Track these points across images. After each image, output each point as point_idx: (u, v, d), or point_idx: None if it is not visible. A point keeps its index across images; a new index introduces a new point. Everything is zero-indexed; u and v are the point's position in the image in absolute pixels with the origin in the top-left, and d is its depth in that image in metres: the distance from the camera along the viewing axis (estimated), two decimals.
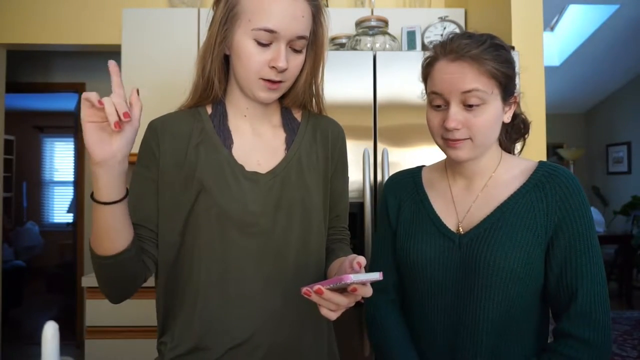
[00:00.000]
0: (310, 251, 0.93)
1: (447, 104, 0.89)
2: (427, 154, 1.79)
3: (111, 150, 0.74)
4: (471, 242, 0.92)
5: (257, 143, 0.94)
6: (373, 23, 2.06)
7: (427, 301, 0.96)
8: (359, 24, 2.09)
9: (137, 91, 0.76)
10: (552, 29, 4.76)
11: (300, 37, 0.87)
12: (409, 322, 1.02)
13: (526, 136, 1.06)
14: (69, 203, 5.71)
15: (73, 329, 3.69)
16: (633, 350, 3.58)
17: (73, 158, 4.46)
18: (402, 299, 1.05)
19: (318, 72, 0.97)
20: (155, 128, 0.92)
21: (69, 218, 5.78)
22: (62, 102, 5.52)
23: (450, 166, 1.01)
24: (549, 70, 4.69)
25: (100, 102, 0.71)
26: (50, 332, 0.59)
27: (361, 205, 1.80)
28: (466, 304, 0.91)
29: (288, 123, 0.98)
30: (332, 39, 2.20)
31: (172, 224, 0.89)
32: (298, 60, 0.89)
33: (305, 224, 0.92)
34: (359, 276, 0.69)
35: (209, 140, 0.91)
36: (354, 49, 2.04)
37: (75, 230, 3.86)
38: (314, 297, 0.72)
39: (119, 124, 0.72)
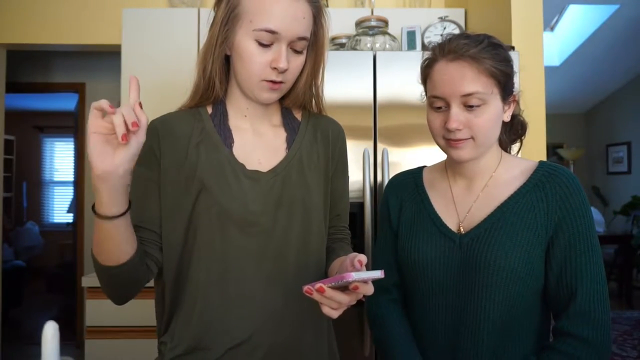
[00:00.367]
0: (311, 250, 0.93)
1: (448, 105, 0.89)
2: (427, 154, 1.79)
3: (113, 163, 0.72)
4: (472, 242, 0.92)
5: (257, 142, 0.94)
6: (373, 23, 2.06)
7: (428, 301, 0.96)
8: (359, 24, 2.09)
9: (140, 104, 0.73)
10: (552, 29, 4.76)
11: (301, 38, 0.87)
12: (411, 321, 1.02)
13: (523, 138, 1.06)
14: (69, 203, 5.71)
15: (73, 329, 3.69)
16: (633, 350, 3.58)
17: (73, 158, 4.46)
18: (404, 298, 1.05)
19: (318, 73, 0.97)
20: (156, 128, 0.92)
21: (69, 218, 5.78)
22: (62, 102, 5.52)
23: (450, 166, 1.01)
24: (549, 70, 4.69)
25: (111, 106, 0.69)
26: (50, 332, 0.59)
27: (361, 205, 1.80)
28: (467, 303, 0.91)
29: (288, 123, 0.99)
30: (332, 39, 2.20)
31: (175, 225, 0.89)
32: (299, 61, 0.89)
33: (305, 223, 0.92)
34: (361, 274, 0.69)
35: (210, 139, 0.91)
36: (354, 49, 2.04)
37: (75, 230, 3.86)
38: (316, 296, 0.72)
39: (126, 137, 0.70)
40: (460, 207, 0.97)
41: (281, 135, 0.97)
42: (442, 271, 0.94)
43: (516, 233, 0.89)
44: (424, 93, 0.97)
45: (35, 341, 3.84)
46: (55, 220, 6.68)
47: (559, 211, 0.88)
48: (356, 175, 1.79)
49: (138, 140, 0.72)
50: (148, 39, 2.30)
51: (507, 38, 1.94)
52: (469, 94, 0.86)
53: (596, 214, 5.23)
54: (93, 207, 0.76)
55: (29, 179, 6.64)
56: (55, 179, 6.76)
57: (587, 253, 0.87)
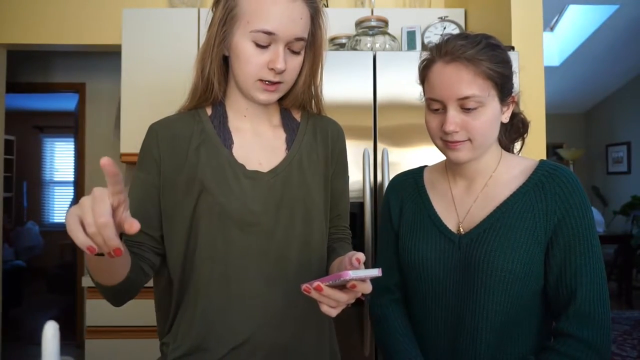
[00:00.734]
0: (312, 250, 0.93)
1: (445, 107, 0.89)
2: (427, 154, 1.79)
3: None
4: (471, 242, 0.92)
5: (257, 143, 0.95)
6: (373, 23, 2.06)
7: (429, 301, 0.96)
8: (359, 24, 2.09)
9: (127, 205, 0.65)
10: (552, 29, 4.76)
11: (299, 39, 0.87)
12: (412, 321, 1.02)
13: (525, 136, 1.05)
14: (69, 203, 5.71)
15: (73, 329, 3.69)
16: (633, 350, 3.58)
17: (73, 158, 4.46)
18: (405, 298, 1.05)
19: (317, 74, 0.97)
20: (156, 132, 0.92)
21: None
22: (62, 102, 5.52)
23: (450, 167, 1.01)
24: (549, 70, 4.69)
25: (90, 249, 0.61)
26: (51, 332, 0.59)
27: (361, 205, 1.80)
28: (467, 304, 0.91)
29: (288, 123, 0.99)
30: (332, 39, 2.20)
31: (177, 226, 0.89)
32: (296, 61, 0.89)
33: (306, 223, 0.92)
34: (358, 272, 0.69)
35: (210, 141, 0.91)
36: (354, 49, 2.04)
37: None
38: (314, 294, 0.72)
39: (112, 255, 0.63)
40: (460, 208, 0.97)
41: (281, 135, 0.97)
42: (442, 272, 0.94)
43: (515, 234, 0.88)
44: (422, 93, 0.97)
45: (35, 341, 3.84)
46: (56, 220, 6.68)
47: (558, 211, 0.88)
48: (356, 175, 1.79)
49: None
50: (148, 39, 2.30)
51: (507, 38, 1.94)
52: (466, 97, 0.86)
53: (596, 214, 5.23)
54: None
55: (29, 179, 6.64)
56: (55, 179, 6.76)
57: (586, 254, 0.86)
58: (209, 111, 0.96)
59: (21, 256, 5.55)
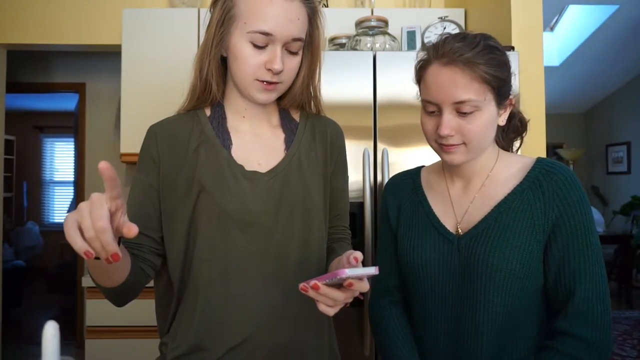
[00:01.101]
0: (311, 250, 0.93)
1: (441, 110, 0.88)
2: (427, 154, 1.78)
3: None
4: (469, 243, 0.91)
5: (256, 143, 0.95)
6: (373, 23, 2.06)
7: (428, 302, 0.96)
8: (359, 24, 2.09)
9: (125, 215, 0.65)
10: (552, 29, 4.76)
11: (296, 39, 0.87)
12: (412, 322, 1.02)
13: (524, 135, 1.05)
14: (69, 203, 5.72)
15: (73, 329, 3.69)
16: (633, 350, 3.58)
17: (73, 158, 4.46)
18: (405, 300, 1.05)
19: (315, 74, 0.97)
20: (155, 133, 0.92)
21: None
22: (62, 102, 5.52)
23: (447, 167, 1.01)
24: (549, 70, 4.68)
25: (87, 254, 0.61)
26: (51, 332, 0.59)
27: (361, 205, 1.80)
28: (466, 304, 0.91)
29: (286, 123, 0.99)
30: (332, 39, 2.20)
31: (177, 227, 0.89)
32: (294, 62, 0.89)
33: (306, 223, 0.92)
34: (355, 271, 0.69)
35: (209, 141, 0.92)
36: (354, 49, 2.04)
37: None
38: (311, 293, 0.72)
39: (110, 260, 0.63)
40: (458, 208, 0.97)
41: (279, 136, 0.97)
42: (441, 272, 0.94)
43: (513, 233, 0.88)
44: (418, 93, 0.96)
45: (35, 341, 3.84)
46: (56, 220, 6.68)
47: (556, 209, 0.87)
48: (356, 175, 1.79)
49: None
50: (148, 39, 2.30)
51: (507, 38, 1.94)
52: (461, 102, 0.85)
53: (596, 214, 5.23)
54: None
55: (29, 179, 6.64)
56: (55, 179, 6.77)
57: (585, 251, 0.86)
58: (207, 112, 0.96)
59: (21, 256, 5.56)
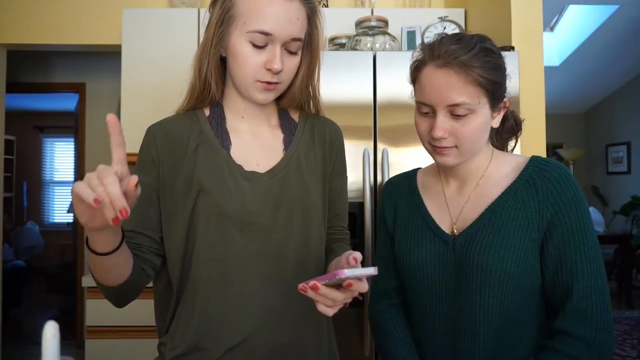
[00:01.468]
0: (310, 250, 0.93)
1: (435, 111, 0.88)
2: (427, 154, 1.79)
3: (104, 222, 0.67)
4: (465, 243, 0.91)
5: (255, 143, 0.95)
6: (373, 23, 2.06)
7: (426, 304, 0.96)
8: (359, 24, 2.09)
9: (136, 181, 0.66)
10: (552, 29, 4.76)
11: (295, 39, 0.87)
12: (410, 324, 1.02)
13: (519, 134, 1.05)
14: (69, 203, 5.71)
15: (73, 329, 3.69)
16: (633, 350, 3.58)
17: (73, 158, 4.46)
18: (404, 301, 1.05)
19: (314, 74, 0.97)
20: (154, 134, 0.92)
21: (69, 218, 5.78)
22: (62, 102, 5.53)
23: (442, 168, 1.00)
24: (549, 70, 4.69)
25: (97, 201, 0.61)
26: (51, 332, 0.59)
27: (361, 205, 1.80)
28: (463, 305, 0.90)
29: (286, 124, 0.99)
30: (332, 39, 2.20)
31: (176, 227, 0.89)
32: (293, 62, 0.89)
33: (305, 223, 0.92)
34: (354, 271, 0.69)
35: (208, 142, 0.92)
36: (354, 49, 2.04)
37: (75, 230, 3.86)
38: (310, 293, 0.72)
39: (118, 220, 0.62)
40: (453, 209, 0.96)
41: (278, 136, 0.97)
42: (438, 274, 0.94)
43: (508, 233, 0.88)
44: (413, 93, 0.96)
45: (35, 341, 3.84)
46: (56, 220, 6.68)
47: (551, 207, 0.87)
48: (356, 176, 1.79)
49: (131, 199, 0.66)
50: (148, 39, 2.30)
51: (507, 38, 1.94)
52: (456, 105, 0.85)
53: (596, 214, 5.23)
54: (86, 242, 0.74)
55: (29, 179, 6.64)
56: (55, 179, 6.77)
57: (582, 249, 0.85)
58: (206, 112, 0.96)
59: (21, 256, 5.56)
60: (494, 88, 0.87)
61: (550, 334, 0.89)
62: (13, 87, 3.42)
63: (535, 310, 0.91)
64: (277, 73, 0.87)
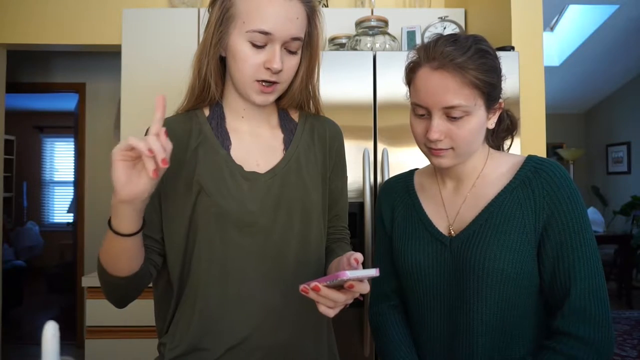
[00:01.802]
0: (310, 250, 0.93)
1: (430, 113, 0.88)
2: None
3: (139, 190, 0.73)
4: (461, 244, 0.91)
5: (255, 144, 0.95)
6: (373, 23, 2.06)
7: (424, 305, 0.96)
8: (359, 24, 2.09)
9: (166, 132, 0.73)
10: (552, 29, 4.76)
11: (295, 39, 0.87)
12: (409, 325, 1.02)
13: (514, 133, 1.04)
14: (69, 203, 5.71)
15: (73, 329, 3.69)
16: (633, 350, 3.58)
17: (73, 158, 4.45)
18: (404, 303, 1.05)
19: (314, 73, 0.97)
20: None
21: (69, 218, 5.78)
22: (62, 102, 5.53)
23: (439, 169, 1.00)
24: (549, 70, 4.69)
25: (150, 151, 0.69)
26: (51, 332, 0.59)
27: (361, 205, 1.80)
28: (460, 306, 0.90)
29: (285, 124, 0.99)
30: (332, 39, 2.20)
31: (176, 227, 0.89)
32: (293, 61, 0.89)
33: (304, 223, 0.92)
34: (355, 272, 0.69)
35: (207, 142, 0.91)
36: (354, 49, 2.04)
37: (75, 230, 3.86)
38: (311, 294, 0.72)
39: (157, 172, 0.71)
40: (450, 210, 0.96)
41: (278, 136, 0.97)
42: (435, 275, 0.93)
43: (504, 233, 0.87)
44: (408, 94, 0.95)
45: (35, 341, 3.84)
46: (56, 220, 6.68)
47: (547, 207, 0.86)
48: (356, 176, 1.79)
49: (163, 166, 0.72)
50: (148, 39, 2.30)
51: (507, 38, 1.94)
52: (451, 107, 0.84)
53: (596, 214, 5.23)
54: (110, 224, 0.77)
55: (29, 179, 6.64)
56: (55, 179, 6.77)
57: (579, 248, 0.85)
58: (206, 112, 0.96)
59: (21, 256, 5.56)
60: (490, 89, 0.87)
61: (548, 334, 0.89)
62: (13, 87, 3.42)
63: (533, 311, 0.91)
64: (277, 73, 0.86)
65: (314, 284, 0.71)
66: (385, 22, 2.08)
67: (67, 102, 5.24)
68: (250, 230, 0.88)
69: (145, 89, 2.29)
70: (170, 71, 2.26)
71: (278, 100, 0.97)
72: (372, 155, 1.82)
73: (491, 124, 0.92)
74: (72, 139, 4.93)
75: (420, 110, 0.89)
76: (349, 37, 2.13)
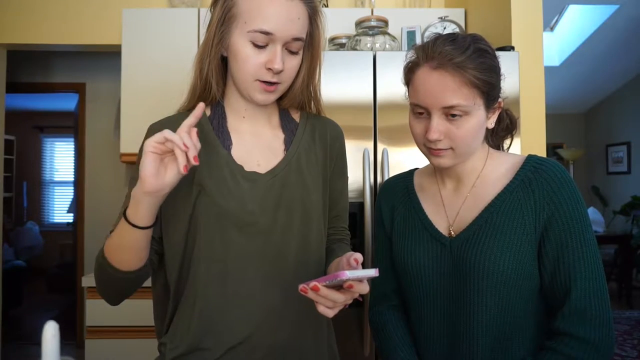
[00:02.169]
0: (310, 251, 0.93)
1: (429, 113, 0.88)
2: None
3: (164, 183, 0.77)
4: (461, 245, 0.90)
5: (256, 144, 0.95)
6: (373, 23, 2.06)
7: (423, 306, 0.95)
8: (359, 24, 2.09)
9: (197, 132, 0.77)
10: (552, 29, 4.76)
11: (296, 39, 0.87)
12: (410, 326, 1.01)
13: (514, 132, 1.04)
14: (69, 203, 5.71)
15: (73, 329, 3.69)
16: (633, 350, 3.58)
17: (73, 158, 4.46)
18: (404, 303, 1.05)
19: (315, 74, 0.97)
20: (155, 132, 0.91)
21: (69, 218, 5.78)
22: (62, 102, 5.53)
23: (438, 169, 1.00)
24: (549, 70, 4.69)
25: (185, 145, 0.73)
26: (51, 332, 0.59)
27: (361, 205, 1.80)
28: (460, 307, 0.90)
29: (286, 124, 0.99)
30: (332, 39, 2.20)
31: (177, 227, 0.89)
32: (294, 61, 0.89)
33: (305, 223, 0.92)
34: (355, 272, 0.69)
35: (208, 141, 0.91)
36: (354, 49, 2.04)
37: (75, 230, 3.86)
38: (311, 294, 0.72)
39: (187, 168, 0.75)
40: (450, 210, 0.96)
41: (279, 136, 0.97)
42: (435, 276, 0.93)
43: (504, 234, 0.87)
44: (407, 94, 0.95)
45: (35, 341, 3.84)
46: (56, 220, 6.68)
47: (547, 207, 0.86)
48: (356, 176, 1.79)
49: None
50: (148, 39, 2.30)
51: (507, 38, 1.94)
52: (451, 107, 0.84)
53: (596, 214, 5.23)
54: (126, 216, 0.79)
55: (29, 179, 6.64)
56: (55, 179, 6.77)
57: (580, 249, 0.84)
58: (207, 112, 0.96)
59: (21, 256, 5.55)
60: (489, 89, 0.86)
61: (549, 335, 0.88)
62: (13, 87, 3.42)
63: (533, 311, 0.91)
64: (278, 73, 0.86)
65: (313, 283, 0.71)
66: (385, 22, 2.08)
67: (67, 102, 5.24)
68: (251, 230, 0.88)
69: (145, 89, 2.29)
70: (170, 71, 2.26)
71: (279, 101, 0.97)
72: (372, 155, 1.82)
73: (491, 124, 0.92)
74: (72, 139, 4.93)
75: (419, 110, 0.89)
76: (349, 37, 2.13)
